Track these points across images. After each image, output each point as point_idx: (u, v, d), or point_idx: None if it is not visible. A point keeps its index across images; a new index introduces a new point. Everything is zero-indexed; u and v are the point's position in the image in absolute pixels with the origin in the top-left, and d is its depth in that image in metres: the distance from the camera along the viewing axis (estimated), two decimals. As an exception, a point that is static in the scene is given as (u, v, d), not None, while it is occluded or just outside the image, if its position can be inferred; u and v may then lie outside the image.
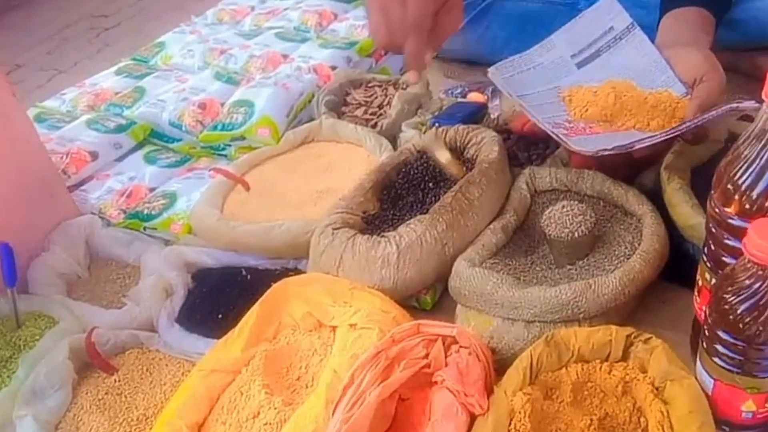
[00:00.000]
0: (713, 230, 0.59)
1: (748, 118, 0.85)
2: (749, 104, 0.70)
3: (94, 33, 2.20)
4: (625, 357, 0.62)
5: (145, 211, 0.94)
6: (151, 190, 0.99)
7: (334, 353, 0.67)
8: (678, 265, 0.74)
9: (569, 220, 0.74)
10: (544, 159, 0.92)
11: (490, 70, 0.86)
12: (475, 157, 0.87)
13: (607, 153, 0.72)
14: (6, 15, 2.26)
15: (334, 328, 0.71)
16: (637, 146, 0.72)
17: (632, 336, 0.62)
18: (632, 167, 0.84)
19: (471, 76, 1.27)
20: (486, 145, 0.86)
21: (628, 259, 0.72)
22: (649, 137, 0.73)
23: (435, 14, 0.74)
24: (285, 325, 0.73)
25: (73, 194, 0.98)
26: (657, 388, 0.59)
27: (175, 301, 0.80)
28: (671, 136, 0.73)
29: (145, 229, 0.93)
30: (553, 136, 0.76)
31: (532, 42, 0.90)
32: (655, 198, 0.79)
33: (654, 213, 0.76)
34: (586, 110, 0.81)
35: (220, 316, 0.78)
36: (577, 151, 0.74)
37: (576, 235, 0.73)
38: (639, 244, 0.73)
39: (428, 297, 0.79)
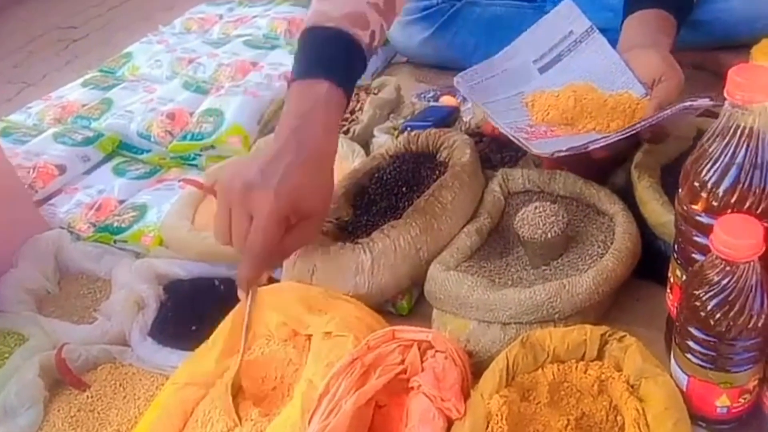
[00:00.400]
0: (682, 227, 0.60)
1: (713, 114, 0.87)
2: (703, 102, 0.71)
3: (63, 45, 2.17)
4: (600, 356, 0.62)
5: (115, 224, 0.93)
6: (121, 202, 0.97)
7: (309, 362, 0.66)
8: (650, 262, 0.74)
9: (542, 221, 0.74)
10: (517, 161, 0.92)
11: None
12: (447, 160, 0.87)
13: (562, 154, 0.73)
14: (-27, 28, 2.23)
15: (309, 337, 0.70)
16: (592, 147, 0.73)
17: (607, 334, 0.62)
18: (603, 167, 0.85)
19: (442, 80, 1.28)
20: (458, 148, 0.86)
21: (601, 258, 0.72)
22: (603, 138, 0.74)
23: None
24: (259, 335, 0.72)
25: (41, 209, 0.96)
26: (632, 386, 0.59)
27: (147, 315, 0.78)
28: (626, 135, 0.74)
29: (115, 242, 0.92)
30: (514, 140, 0.77)
31: (502, 45, 0.91)
32: (627, 196, 0.79)
33: (626, 211, 0.76)
34: (548, 114, 0.83)
35: (193, 327, 0.77)
36: (536, 153, 0.75)
37: (549, 235, 0.73)
38: (612, 243, 0.73)
39: (404, 302, 0.79)
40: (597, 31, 0.87)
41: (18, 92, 1.93)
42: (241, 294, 0.71)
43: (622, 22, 0.91)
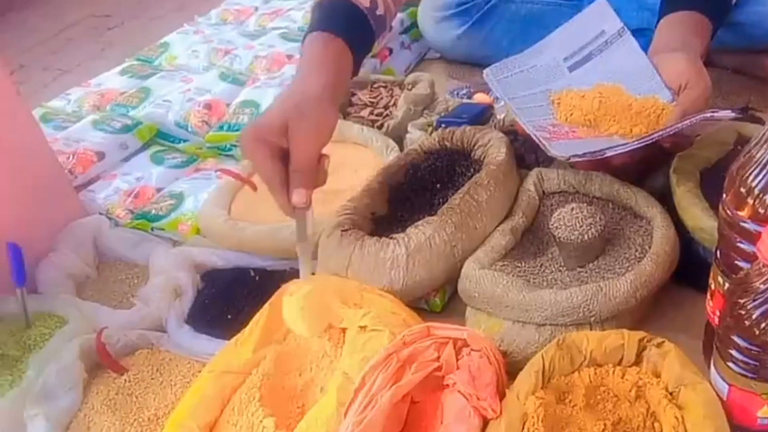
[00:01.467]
0: (725, 233, 0.59)
1: (756, 120, 0.86)
2: (724, 114, 0.71)
3: (98, 33, 2.19)
4: (638, 361, 0.62)
5: (153, 212, 0.94)
6: (158, 190, 0.99)
7: (344, 355, 0.67)
8: (688, 267, 0.74)
9: (579, 222, 0.74)
10: (552, 160, 0.92)
11: (486, 71, 0.86)
12: (482, 158, 0.86)
13: (578, 159, 0.73)
14: (8, 15, 2.26)
15: (343, 330, 0.71)
16: (609, 153, 0.73)
17: (645, 340, 0.62)
18: (640, 170, 0.85)
19: (476, 77, 1.27)
20: (493, 146, 0.86)
21: (638, 261, 0.72)
22: (621, 145, 0.74)
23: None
24: (294, 327, 0.73)
25: (80, 194, 0.98)
26: (671, 393, 0.59)
27: (184, 302, 0.80)
28: (644, 143, 0.73)
29: (152, 229, 0.93)
30: (534, 139, 0.77)
31: (536, 43, 0.90)
32: (664, 201, 0.79)
33: (664, 215, 0.76)
34: (571, 114, 0.82)
35: (229, 316, 0.78)
36: (553, 155, 0.75)
37: (586, 237, 0.73)
38: (650, 247, 0.73)
39: (437, 299, 0.79)
40: (629, 32, 0.87)
41: (54, 79, 1.96)
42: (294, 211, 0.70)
43: (657, 22, 0.90)
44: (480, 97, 1.16)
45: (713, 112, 0.72)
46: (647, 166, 0.85)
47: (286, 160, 0.70)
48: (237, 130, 1.03)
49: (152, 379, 0.74)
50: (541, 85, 0.86)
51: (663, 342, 0.62)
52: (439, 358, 0.63)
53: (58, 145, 1.02)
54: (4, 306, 0.82)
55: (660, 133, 0.73)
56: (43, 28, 2.26)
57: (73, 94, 1.21)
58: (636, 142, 0.73)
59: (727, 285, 0.60)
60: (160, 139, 1.10)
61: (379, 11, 0.84)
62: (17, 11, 2.31)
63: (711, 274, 0.64)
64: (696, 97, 0.78)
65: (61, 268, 0.86)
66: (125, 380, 0.74)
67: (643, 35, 0.88)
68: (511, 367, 0.67)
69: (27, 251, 0.82)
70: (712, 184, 0.78)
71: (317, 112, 0.73)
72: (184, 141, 1.09)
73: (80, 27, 2.25)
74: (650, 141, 0.73)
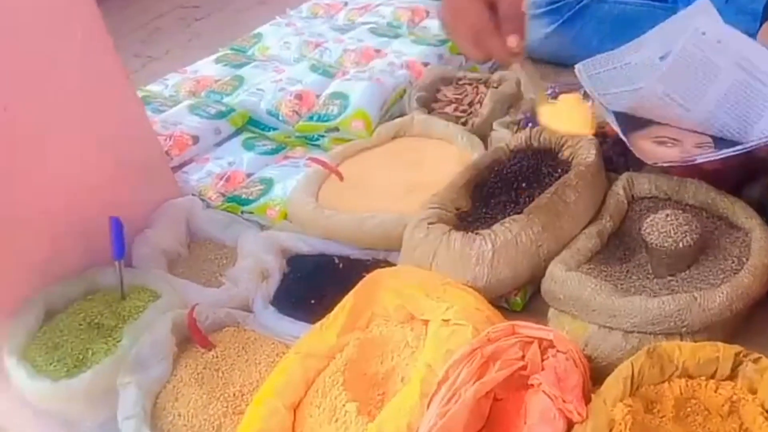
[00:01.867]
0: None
1: None
2: None
3: (185, 23, 2.28)
4: (732, 376, 0.60)
5: (243, 196, 0.97)
6: (249, 175, 1.02)
7: (427, 347, 0.68)
8: (788, 283, 0.71)
9: (673, 229, 0.72)
10: (642, 165, 0.89)
11: (577, 66, 0.85)
12: (570, 159, 0.85)
13: (666, 164, 0.72)
14: (106, 2, 2.38)
15: (426, 322, 0.72)
16: (700, 160, 0.71)
17: (741, 354, 0.60)
18: (737, 178, 0.81)
19: (562, 77, 1.25)
20: (583, 147, 0.85)
21: (735, 273, 0.69)
22: (714, 152, 0.72)
23: None
24: (377, 315, 0.74)
25: (175, 175, 1.02)
26: (767, 411, 0.57)
27: (270, 284, 0.82)
28: (738, 152, 0.71)
29: (242, 212, 0.96)
30: (623, 138, 0.75)
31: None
32: (763, 211, 0.75)
33: (763, 227, 0.73)
34: None
35: (312, 301, 0.80)
36: (640, 158, 0.73)
37: (680, 245, 0.71)
38: (747, 259, 0.70)
39: (518, 298, 0.79)
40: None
41: (143, 65, 2.05)
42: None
43: (760, 26, 0.86)
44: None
45: None
46: (745, 175, 0.82)
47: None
48: (326, 121, 1.05)
49: (238, 356, 0.76)
50: (635, 83, 0.84)
51: (760, 358, 0.60)
52: (523, 357, 0.63)
53: (156, 127, 1.06)
54: (102, 277, 0.86)
55: (756, 143, 0.70)
56: (136, 16, 2.37)
57: (171, 79, 1.26)
58: (729, 151, 0.71)
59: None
60: (251, 126, 1.13)
61: None
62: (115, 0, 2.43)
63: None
64: None
65: (155, 245, 0.90)
66: (213, 356, 0.76)
67: None
68: (594, 373, 0.66)
69: (126, 227, 0.86)
70: (816, 197, 0.74)
71: None
72: (275, 129, 1.11)
73: (169, 17, 2.34)
74: (744, 150, 0.70)
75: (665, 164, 0.72)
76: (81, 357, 0.77)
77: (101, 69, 0.86)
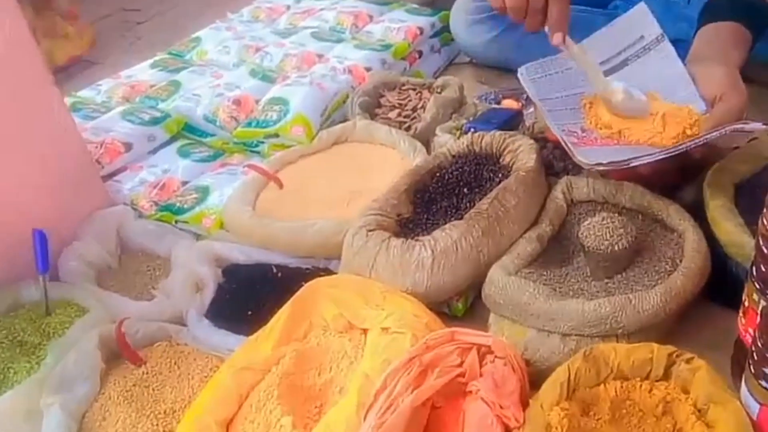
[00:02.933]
0: (764, 250, 0.58)
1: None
2: (755, 126, 0.70)
3: (127, 26, 2.21)
4: (666, 376, 0.60)
5: (177, 204, 0.94)
6: (184, 183, 0.99)
7: (365, 357, 0.66)
8: (719, 283, 0.72)
9: (609, 232, 0.72)
10: (581, 169, 0.90)
11: (520, 70, 0.86)
12: (511, 164, 0.85)
13: (602, 168, 0.72)
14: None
15: (365, 331, 0.70)
16: (635, 163, 0.72)
17: (674, 355, 0.61)
18: (672, 182, 0.83)
19: (505, 83, 1.26)
20: (523, 152, 0.85)
21: (669, 275, 0.70)
22: (647, 155, 0.72)
23: None
24: (315, 326, 0.72)
25: (106, 184, 0.98)
26: (699, 411, 0.57)
27: (205, 296, 0.79)
28: (671, 154, 0.72)
29: (176, 222, 0.93)
30: (562, 144, 0.76)
31: None
32: (696, 214, 0.77)
33: (696, 229, 0.74)
34: (602, 119, 0.81)
35: (249, 312, 0.78)
36: (578, 162, 0.74)
37: (616, 248, 0.72)
38: (680, 260, 0.72)
39: (460, 304, 0.78)
40: (667, 39, 0.85)
41: (83, 70, 1.98)
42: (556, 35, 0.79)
43: (695, 33, 0.89)
44: (508, 103, 1.15)
45: (744, 123, 0.70)
46: (680, 179, 0.84)
47: None
48: (265, 127, 1.03)
49: (170, 372, 0.73)
50: (575, 88, 0.85)
51: (693, 358, 0.61)
52: (462, 364, 0.62)
53: (86, 134, 1.02)
54: (25, 293, 0.82)
55: (688, 143, 0.72)
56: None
57: (104, 84, 1.22)
58: (663, 152, 0.72)
59: (763, 303, 0.58)
60: (187, 132, 1.10)
61: None
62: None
63: (745, 291, 0.62)
64: (729, 109, 0.77)
65: (83, 258, 0.86)
66: (143, 372, 0.73)
67: (680, 47, 0.87)
68: (534, 377, 0.65)
69: (51, 239, 0.82)
70: (747, 198, 0.76)
71: None
72: (212, 135, 1.08)
73: (110, 20, 2.27)
74: (677, 152, 0.72)
75: (602, 168, 0.73)
76: (2, 376, 0.73)
77: (25, 77, 0.82)
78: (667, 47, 0.85)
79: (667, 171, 0.78)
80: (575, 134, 0.80)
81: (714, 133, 0.71)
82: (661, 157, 0.72)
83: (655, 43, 0.86)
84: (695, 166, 0.82)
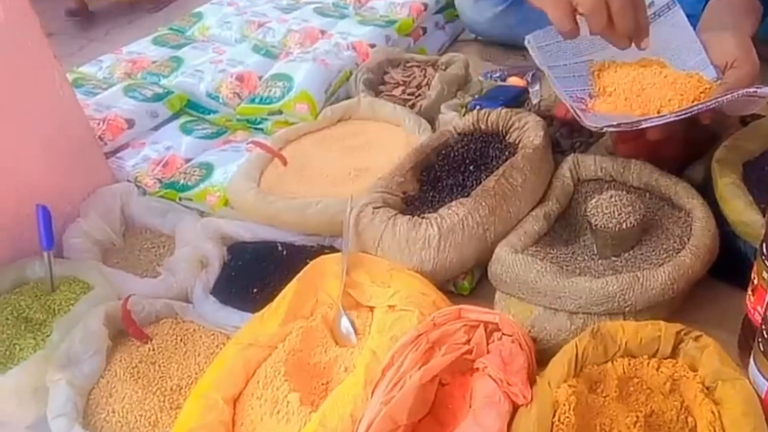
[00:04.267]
0: (775, 228, 0.57)
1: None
2: (766, 91, 0.67)
3: (126, 3, 2.18)
4: (674, 354, 0.60)
5: (181, 181, 0.94)
6: (187, 160, 0.98)
7: (372, 334, 0.66)
8: (727, 262, 0.72)
9: (617, 210, 0.72)
10: (588, 147, 0.89)
11: (527, 37, 0.84)
12: (517, 142, 0.85)
13: (612, 129, 0.71)
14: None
15: (371, 309, 0.70)
16: (644, 124, 0.70)
17: (682, 333, 0.60)
18: (679, 160, 0.82)
19: (510, 60, 1.25)
20: (530, 129, 0.84)
21: (677, 253, 0.70)
22: (658, 117, 0.71)
23: None
24: (322, 303, 0.72)
25: (109, 161, 0.97)
26: (707, 388, 0.57)
27: (210, 273, 0.79)
28: (681, 117, 0.70)
29: (180, 199, 0.93)
30: (570, 110, 0.75)
31: None
32: (704, 192, 0.76)
33: (704, 207, 0.74)
34: (610, 86, 0.80)
35: (254, 290, 0.78)
36: (587, 126, 0.73)
37: (624, 226, 0.71)
38: (689, 239, 0.71)
39: (466, 282, 0.78)
40: (678, 5, 0.84)
41: (81, 48, 1.96)
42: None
43: (704, 6, 0.87)
44: (514, 81, 1.14)
45: (757, 88, 0.69)
46: (686, 156, 0.83)
47: None
48: (269, 103, 1.02)
49: (176, 348, 0.73)
50: (583, 55, 0.84)
51: (701, 335, 0.60)
52: (469, 341, 0.62)
53: (88, 110, 1.01)
54: (30, 269, 0.81)
55: (699, 106, 0.70)
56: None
57: (105, 60, 1.21)
58: (672, 115, 0.70)
59: (773, 280, 0.58)
60: (190, 109, 1.09)
61: None
62: (49, -21, 2.31)
63: (754, 270, 0.62)
64: (742, 75, 0.75)
65: (87, 234, 0.86)
66: (149, 349, 0.73)
67: (689, 21, 0.85)
68: (540, 354, 0.65)
69: (55, 216, 0.82)
70: (756, 176, 0.75)
71: None
72: (215, 112, 1.08)
73: (110, -5, 2.23)
74: (687, 114, 0.70)
75: (612, 129, 0.71)
76: (8, 353, 0.73)
77: (26, 50, 0.81)
78: (678, 14, 0.83)
79: (675, 139, 0.77)
80: (583, 101, 0.79)
81: (725, 97, 0.69)
82: (671, 119, 0.70)
83: (665, 10, 0.84)
84: (702, 141, 0.81)
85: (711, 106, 0.70)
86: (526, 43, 0.83)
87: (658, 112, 0.75)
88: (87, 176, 0.90)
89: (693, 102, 0.76)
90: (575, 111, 0.74)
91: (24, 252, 0.82)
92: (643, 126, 0.70)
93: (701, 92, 0.77)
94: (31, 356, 0.71)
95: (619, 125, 0.70)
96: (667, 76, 0.79)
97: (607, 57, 0.83)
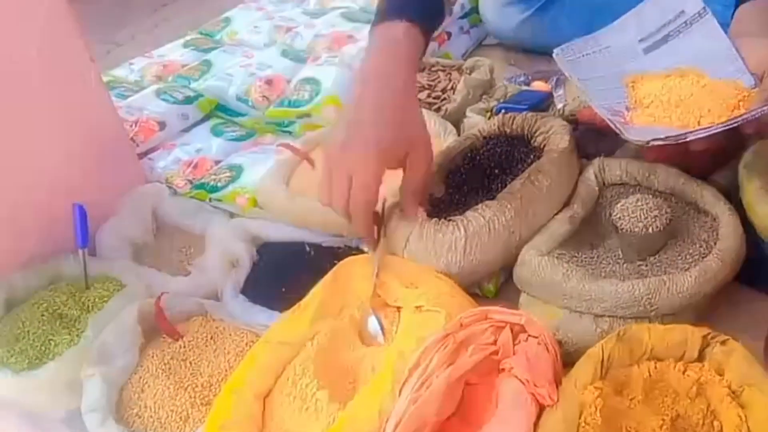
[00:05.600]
0: (803, 233, 0.57)
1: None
2: None
3: (152, 8, 2.22)
4: (700, 358, 0.60)
5: (211, 183, 0.95)
6: (217, 162, 1.00)
7: (399, 334, 0.67)
8: (754, 267, 0.72)
9: (644, 214, 0.72)
10: (613, 151, 0.90)
11: (556, 51, 0.83)
12: (542, 145, 0.85)
13: (659, 143, 0.70)
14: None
15: (399, 309, 0.71)
16: (691, 137, 0.69)
17: (709, 337, 0.61)
18: (706, 165, 0.82)
19: (534, 65, 1.25)
20: (555, 133, 0.85)
21: (703, 258, 0.70)
22: (704, 129, 0.70)
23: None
24: (350, 303, 0.73)
25: (141, 162, 0.99)
26: (733, 392, 0.57)
27: (240, 273, 0.81)
28: (728, 127, 0.69)
29: (210, 200, 0.94)
30: (610, 124, 0.74)
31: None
32: (730, 197, 0.76)
33: (732, 212, 0.73)
34: (647, 97, 0.79)
35: (283, 289, 0.79)
36: (632, 141, 0.72)
37: (650, 230, 0.71)
38: (715, 243, 0.71)
39: (491, 285, 0.78)
40: (710, 12, 0.82)
41: (108, 52, 1.99)
42: (367, 247, 0.74)
43: (735, 10, 0.87)
44: (538, 85, 1.14)
45: None
46: (714, 161, 0.83)
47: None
48: (297, 107, 1.04)
49: (206, 346, 0.75)
50: (615, 66, 0.82)
51: (728, 340, 0.60)
52: (495, 342, 0.63)
53: (121, 113, 1.03)
54: (65, 266, 0.83)
55: (746, 115, 0.69)
56: (101, 2, 2.30)
57: (137, 63, 1.23)
58: (719, 126, 0.69)
59: (800, 286, 0.58)
60: (220, 111, 1.11)
61: None
62: (78, -16, 2.35)
63: (782, 275, 0.62)
64: None
65: (120, 234, 0.88)
66: (180, 346, 0.75)
67: None
68: (566, 357, 0.66)
69: (90, 215, 0.84)
70: (784, 182, 0.75)
71: (425, 137, 0.74)
72: (244, 115, 1.09)
73: (136, 1, 2.28)
74: (735, 125, 0.69)
75: (659, 143, 0.70)
76: (43, 348, 0.74)
77: (64, 52, 0.83)
78: (711, 22, 0.81)
79: (716, 150, 0.76)
80: (621, 114, 0.77)
81: None
82: (718, 130, 0.69)
83: (697, 18, 0.83)
84: (729, 147, 0.81)
85: (757, 115, 0.69)
86: (554, 56, 0.82)
87: (699, 123, 0.74)
88: (120, 177, 0.92)
89: (733, 111, 0.74)
90: (615, 125, 0.73)
91: (59, 249, 0.84)
92: (690, 139, 0.69)
93: (740, 100, 0.75)
94: (66, 351, 0.73)
95: (666, 138, 0.69)
96: (704, 85, 0.78)
97: (639, 68, 0.82)
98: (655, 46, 0.84)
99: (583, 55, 0.83)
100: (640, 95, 0.79)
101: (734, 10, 0.87)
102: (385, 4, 0.78)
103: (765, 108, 0.68)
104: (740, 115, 0.70)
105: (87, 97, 0.87)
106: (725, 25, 0.85)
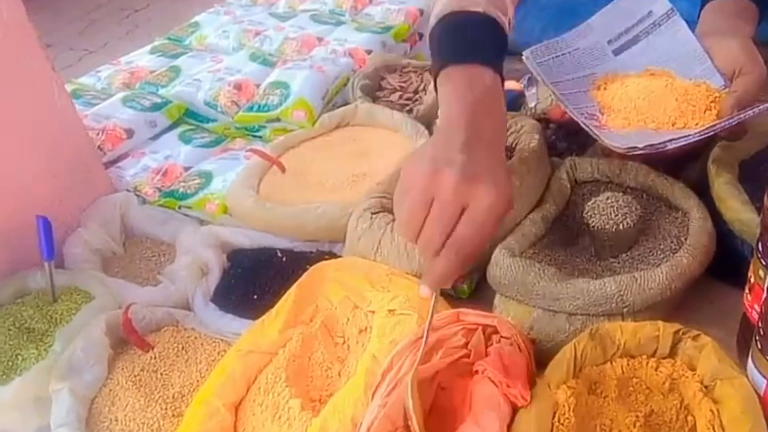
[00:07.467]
0: (770, 226, 0.57)
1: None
2: None
3: (124, 14, 2.20)
4: (672, 354, 0.61)
5: (181, 190, 0.94)
6: (186, 169, 0.99)
7: (372, 338, 0.66)
8: (725, 261, 0.72)
9: (614, 211, 0.72)
10: (584, 150, 0.90)
11: (525, 53, 0.83)
12: (513, 145, 0.85)
13: (638, 152, 0.69)
14: (38, -6, 2.27)
15: (371, 313, 0.70)
16: (670, 146, 0.69)
17: (680, 332, 0.61)
18: (676, 161, 0.82)
19: (506, 65, 1.25)
20: (526, 133, 0.85)
21: (674, 253, 0.70)
22: (683, 137, 0.70)
23: None
24: (322, 309, 0.72)
25: (108, 171, 0.98)
26: (706, 387, 0.57)
27: (210, 281, 0.80)
28: (706, 136, 0.70)
29: (180, 207, 0.93)
30: (585, 128, 0.74)
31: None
32: (700, 192, 0.77)
33: (701, 207, 0.74)
34: (617, 100, 0.78)
35: (255, 297, 0.78)
36: (608, 146, 0.71)
37: (621, 227, 0.71)
38: (685, 239, 0.71)
39: (465, 285, 0.78)
40: (677, 13, 0.83)
41: (79, 59, 1.97)
42: (426, 292, 0.60)
43: (700, 10, 0.87)
44: (510, 84, 1.14)
45: None
46: (684, 157, 0.83)
47: None
48: (266, 111, 1.03)
49: (177, 356, 0.74)
50: (585, 69, 0.83)
51: (699, 335, 0.60)
52: (467, 344, 0.63)
53: (87, 121, 1.02)
54: (31, 280, 0.82)
55: (723, 123, 0.70)
56: (71, 9, 2.28)
57: (103, 71, 1.21)
58: (699, 134, 0.69)
59: (768, 278, 0.58)
60: (188, 118, 1.10)
61: (510, 31, 0.77)
62: (47, -8, 2.33)
63: (751, 268, 0.62)
64: (750, 82, 0.75)
65: (88, 244, 0.87)
66: (150, 357, 0.74)
67: None
68: (539, 356, 0.65)
69: (55, 226, 0.82)
70: (752, 175, 0.76)
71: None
72: (213, 121, 1.08)
73: (107, 8, 2.26)
74: (712, 132, 0.70)
75: (638, 152, 0.69)
76: (10, 363, 0.73)
77: (24, 63, 0.81)
78: (679, 22, 0.82)
79: (690, 150, 0.76)
80: (595, 117, 0.77)
81: (747, 112, 0.69)
82: (696, 138, 0.69)
83: (665, 18, 0.83)
84: (699, 147, 0.81)
85: (734, 123, 0.69)
86: (524, 59, 0.82)
87: (673, 125, 0.75)
88: (86, 186, 0.90)
89: (705, 112, 0.75)
90: (591, 130, 0.72)
91: (24, 263, 0.82)
92: (669, 147, 0.69)
93: (711, 101, 0.76)
94: (34, 366, 0.71)
95: (644, 148, 0.68)
96: (675, 87, 0.78)
97: (609, 70, 0.82)
98: (625, 47, 0.85)
99: (552, 58, 0.83)
100: (612, 97, 0.79)
101: (701, 8, 0.88)
102: (454, 45, 0.72)
103: (742, 115, 0.69)
104: (718, 123, 0.71)
105: (50, 107, 0.85)
106: (692, 23, 0.86)
